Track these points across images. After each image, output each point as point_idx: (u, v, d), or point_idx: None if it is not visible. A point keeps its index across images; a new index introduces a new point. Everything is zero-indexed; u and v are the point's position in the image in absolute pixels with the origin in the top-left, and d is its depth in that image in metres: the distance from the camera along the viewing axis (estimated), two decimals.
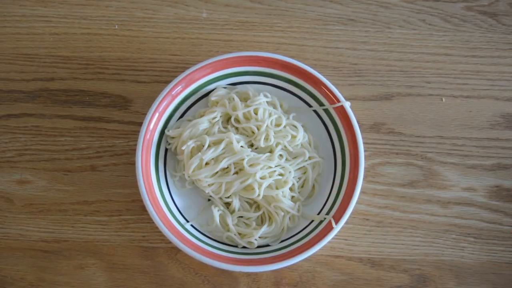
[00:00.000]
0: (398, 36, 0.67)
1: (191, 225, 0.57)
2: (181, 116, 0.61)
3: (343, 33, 0.67)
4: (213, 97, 0.60)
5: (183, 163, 0.58)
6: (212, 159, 0.56)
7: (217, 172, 0.56)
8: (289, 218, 0.57)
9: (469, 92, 0.65)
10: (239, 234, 0.56)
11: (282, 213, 0.56)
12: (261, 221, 0.58)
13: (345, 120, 0.57)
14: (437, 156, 0.62)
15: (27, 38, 0.67)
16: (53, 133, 0.62)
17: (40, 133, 0.62)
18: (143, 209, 0.57)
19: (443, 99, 0.64)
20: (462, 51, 0.67)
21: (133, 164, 0.56)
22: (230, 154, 0.55)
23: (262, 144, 0.57)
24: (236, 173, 0.56)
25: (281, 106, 0.61)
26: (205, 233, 0.57)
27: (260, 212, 0.57)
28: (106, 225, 0.59)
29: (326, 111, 0.59)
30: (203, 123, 0.57)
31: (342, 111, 0.57)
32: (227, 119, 0.60)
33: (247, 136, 0.59)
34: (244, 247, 0.56)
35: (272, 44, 0.67)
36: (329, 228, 0.53)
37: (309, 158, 0.58)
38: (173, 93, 0.58)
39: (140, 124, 0.57)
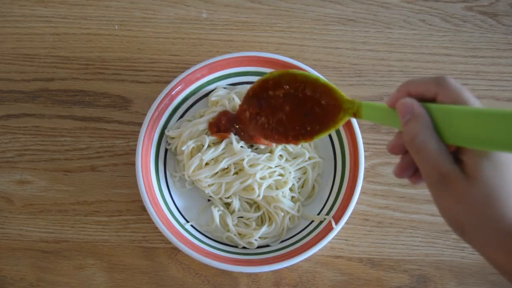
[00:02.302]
0: (398, 36, 0.67)
1: (191, 225, 0.56)
2: (181, 116, 0.61)
3: (343, 34, 0.67)
4: (213, 97, 0.60)
5: (183, 163, 0.58)
6: (212, 159, 0.56)
7: (217, 173, 0.56)
8: (289, 219, 0.57)
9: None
10: (239, 234, 0.56)
11: (282, 214, 0.56)
12: (261, 222, 0.58)
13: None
14: None
15: (27, 38, 0.67)
16: (53, 133, 0.62)
17: (40, 133, 0.62)
18: (143, 209, 0.57)
19: None
20: (462, 52, 0.66)
21: (133, 164, 0.56)
22: (230, 155, 0.55)
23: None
24: (236, 173, 0.56)
25: None
26: (205, 234, 0.57)
27: (260, 213, 0.57)
28: (106, 225, 0.59)
29: None
30: (203, 123, 0.57)
31: None
32: None
33: None
34: (244, 247, 0.56)
35: (272, 44, 0.67)
36: (329, 229, 0.53)
37: (309, 158, 0.58)
38: (173, 93, 0.58)
39: (140, 124, 0.57)
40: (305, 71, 0.47)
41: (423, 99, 0.34)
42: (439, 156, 0.32)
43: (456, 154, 0.32)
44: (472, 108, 0.31)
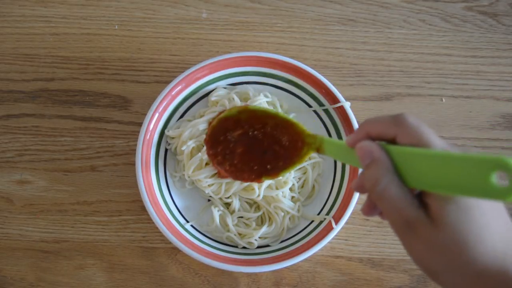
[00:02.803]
0: (398, 36, 0.67)
1: (191, 225, 0.56)
2: (181, 116, 0.61)
3: (343, 33, 0.67)
4: (213, 97, 0.60)
5: (183, 163, 0.58)
6: None
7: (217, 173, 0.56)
8: (289, 219, 0.57)
9: (469, 92, 0.65)
10: (239, 234, 0.56)
11: (282, 214, 0.56)
12: (261, 222, 0.57)
13: (345, 121, 0.57)
14: None
15: (27, 38, 0.67)
16: (53, 133, 0.62)
17: (40, 133, 0.62)
18: (143, 209, 0.57)
19: (443, 99, 0.64)
20: (462, 52, 0.66)
21: (133, 164, 0.56)
22: None
23: None
24: None
25: (281, 106, 0.61)
26: (205, 233, 0.57)
27: (260, 213, 0.57)
28: (106, 225, 0.59)
29: (326, 111, 0.59)
30: (203, 123, 0.57)
31: (342, 111, 0.57)
32: None
33: None
34: (244, 247, 0.56)
35: (272, 44, 0.67)
36: (329, 229, 0.53)
37: (309, 158, 0.58)
38: (173, 93, 0.58)
39: (140, 124, 0.57)
40: (264, 108, 0.47)
41: (383, 140, 0.33)
42: (403, 202, 0.30)
43: (421, 197, 0.31)
44: (430, 152, 0.29)
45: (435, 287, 0.56)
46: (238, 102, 0.58)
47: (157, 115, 0.57)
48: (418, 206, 0.31)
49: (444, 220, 0.29)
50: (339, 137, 0.58)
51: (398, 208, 0.31)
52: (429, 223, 0.30)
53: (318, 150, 0.41)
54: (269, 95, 0.60)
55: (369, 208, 0.35)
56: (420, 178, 0.30)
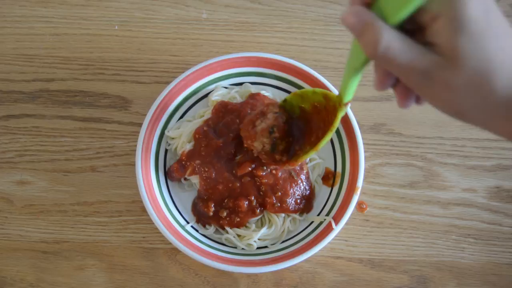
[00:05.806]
0: None
1: (191, 226, 0.56)
2: (181, 117, 0.61)
3: (343, 34, 0.67)
4: (213, 97, 0.60)
5: None
6: None
7: None
8: (290, 221, 0.56)
9: None
10: (238, 236, 0.56)
11: (283, 215, 0.56)
12: (260, 224, 0.57)
13: (345, 121, 0.57)
14: (437, 157, 0.62)
15: (27, 38, 0.67)
16: (53, 133, 0.62)
17: (40, 133, 0.62)
18: (143, 210, 0.57)
19: None
20: None
21: (133, 165, 0.56)
22: None
23: None
24: None
25: None
26: (204, 234, 0.57)
27: (260, 215, 0.56)
28: (106, 226, 0.59)
29: None
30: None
31: None
32: None
33: None
34: (243, 248, 0.56)
35: (272, 44, 0.67)
36: (329, 229, 0.53)
37: (310, 160, 0.58)
38: (173, 93, 0.58)
39: (140, 124, 0.57)
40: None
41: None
42: (411, 53, 0.29)
43: (426, 38, 0.29)
44: None
45: None
46: (240, 101, 0.58)
47: (157, 115, 0.57)
48: (426, 51, 0.29)
49: (460, 55, 0.28)
50: (339, 137, 0.58)
51: (408, 61, 0.29)
52: (445, 64, 0.28)
53: (341, 103, 0.42)
54: (269, 90, 0.60)
55: (380, 80, 0.34)
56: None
